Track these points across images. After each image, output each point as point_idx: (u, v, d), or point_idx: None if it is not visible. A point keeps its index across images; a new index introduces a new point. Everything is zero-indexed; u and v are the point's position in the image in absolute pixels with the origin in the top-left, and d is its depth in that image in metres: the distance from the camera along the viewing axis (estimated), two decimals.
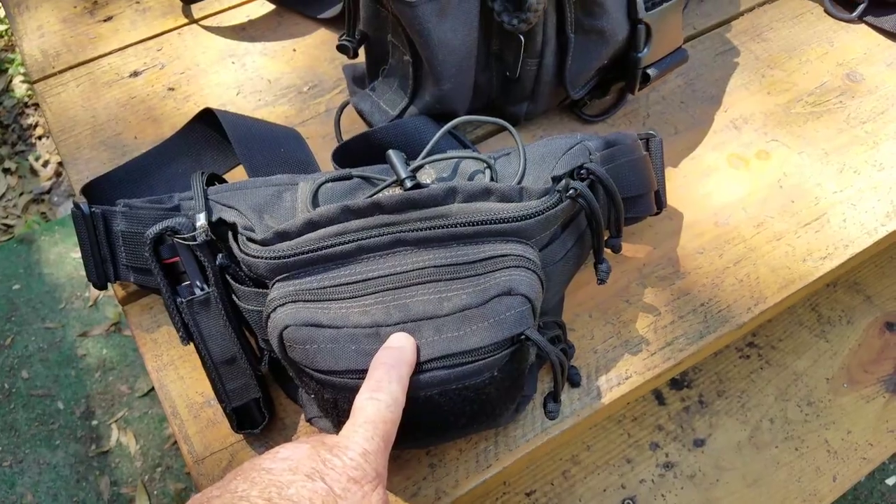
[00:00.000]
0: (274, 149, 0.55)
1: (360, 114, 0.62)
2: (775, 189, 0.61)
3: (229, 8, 0.72)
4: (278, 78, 0.68)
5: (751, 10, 0.73)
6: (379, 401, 0.37)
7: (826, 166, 0.62)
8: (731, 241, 0.58)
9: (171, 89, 0.67)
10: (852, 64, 0.69)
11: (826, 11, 0.73)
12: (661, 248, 0.57)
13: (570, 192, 0.45)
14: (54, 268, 1.41)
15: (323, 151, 0.60)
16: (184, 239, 0.46)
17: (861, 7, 0.72)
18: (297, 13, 0.72)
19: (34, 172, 1.62)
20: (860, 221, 0.59)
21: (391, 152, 0.47)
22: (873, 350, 0.81)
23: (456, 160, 0.50)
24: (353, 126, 0.63)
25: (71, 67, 0.68)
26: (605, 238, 0.49)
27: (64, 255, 1.43)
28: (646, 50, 0.58)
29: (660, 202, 0.55)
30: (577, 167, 0.48)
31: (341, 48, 0.60)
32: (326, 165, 0.58)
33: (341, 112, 0.63)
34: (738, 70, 0.69)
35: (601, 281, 0.48)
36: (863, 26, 0.72)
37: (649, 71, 0.59)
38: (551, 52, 0.57)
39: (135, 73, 0.68)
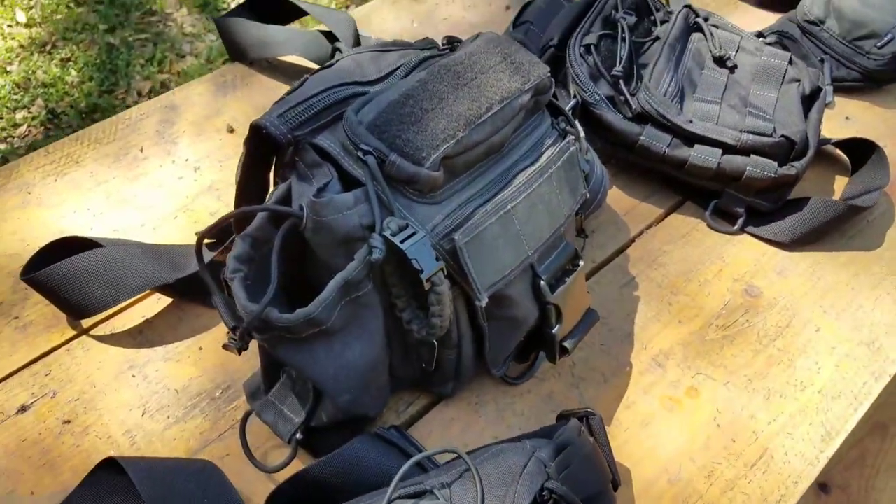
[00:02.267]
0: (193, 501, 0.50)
1: (268, 425, 0.58)
2: (713, 428, 0.62)
3: (122, 310, 0.68)
4: (186, 386, 0.63)
5: (640, 234, 0.77)
6: None
7: (753, 395, 0.64)
8: (689, 499, 0.57)
9: (67, 422, 0.60)
10: (747, 277, 0.73)
11: (710, 226, 0.77)
12: None
13: None
14: None
15: (250, 476, 0.55)
16: None
17: (740, 220, 0.77)
18: (197, 303, 0.68)
19: None
20: (800, 452, 0.60)
21: None
22: None
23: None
24: (267, 443, 0.59)
25: None
26: None
27: None
28: (558, 326, 0.58)
29: (616, 483, 0.54)
30: (539, 490, 0.46)
31: (227, 347, 0.57)
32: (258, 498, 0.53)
33: (245, 425, 0.58)
34: (645, 301, 0.71)
35: None
36: (746, 237, 0.77)
37: (566, 344, 0.60)
38: (468, 341, 0.57)
39: (22, 409, 0.61)
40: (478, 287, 0.52)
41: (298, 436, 0.56)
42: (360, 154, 0.49)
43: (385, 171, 0.49)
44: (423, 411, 0.62)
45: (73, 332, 0.66)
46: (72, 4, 1.95)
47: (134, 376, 0.64)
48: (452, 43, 0.61)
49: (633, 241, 0.76)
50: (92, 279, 0.63)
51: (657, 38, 0.82)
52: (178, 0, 2.03)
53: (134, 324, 0.67)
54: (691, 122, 0.74)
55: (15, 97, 1.77)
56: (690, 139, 0.75)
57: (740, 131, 0.74)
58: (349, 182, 0.51)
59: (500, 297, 0.55)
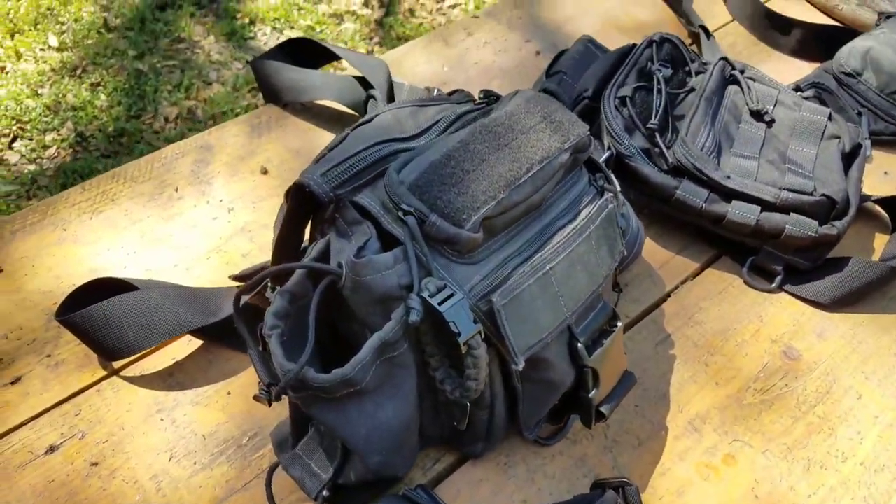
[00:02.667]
0: None
1: (294, 480, 0.57)
2: (751, 500, 0.60)
3: (152, 351, 0.67)
4: (214, 431, 0.62)
5: (676, 289, 0.76)
6: None
7: (793, 465, 0.62)
8: None
9: (95, 464, 0.60)
10: (785, 338, 0.72)
11: (747, 283, 0.76)
12: None
13: None
14: None
15: None
16: None
17: (778, 278, 0.75)
18: (227, 347, 0.68)
19: None
20: None
21: None
22: None
23: None
24: (292, 496, 0.58)
25: None
26: None
27: None
28: (595, 391, 0.57)
29: None
30: None
31: (258, 398, 0.56)
32: None
33: (271, 478, 0.56)
34: (681, 360, 0.69)
35: None
36: (784, 295, 0.75)
37: (603, 409, 0.58)
38: (501, 402, 0.56)
39: (51, 449, 0.61)
40: (515, 350, 0.51)
41: (325, 493, 0.55)
42: (400, 214, 0.49)
43: (425, 232, 0.49)
44: (450, 469, 0.61)
45: (103, 373, 0.66)
46: (102, 30, 1.98)
47: (162, 419, 0.63)
48: (489, 97, 0.61)
49: (668, 295, 0.75)
50: (125, 323, 0.62)
51: (692, 90, 0.81)
52: (206, 28, 2.05)
53: (164, 366, 0.67)
54: (729, 177, 0.74)
55: (45, 119, 1.79)
56: (728, 195, 0.74)
57: (780, 189, 0.73)
58: (388, 240, 0.50)
59: (537, 359, 0.54)
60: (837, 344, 0.71)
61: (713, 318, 0.73)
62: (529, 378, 0.55)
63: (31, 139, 1.75)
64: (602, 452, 0.63)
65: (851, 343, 0.72)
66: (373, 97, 0.81)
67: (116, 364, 0.66)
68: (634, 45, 0.83)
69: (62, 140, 1.76)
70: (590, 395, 0.57)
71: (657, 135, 0.76)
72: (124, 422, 0.63)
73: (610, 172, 0.65)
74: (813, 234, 0.72)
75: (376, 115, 0.59)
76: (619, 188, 0.63)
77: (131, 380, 0.66)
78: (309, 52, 0.89)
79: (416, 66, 0.96)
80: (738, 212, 0.73)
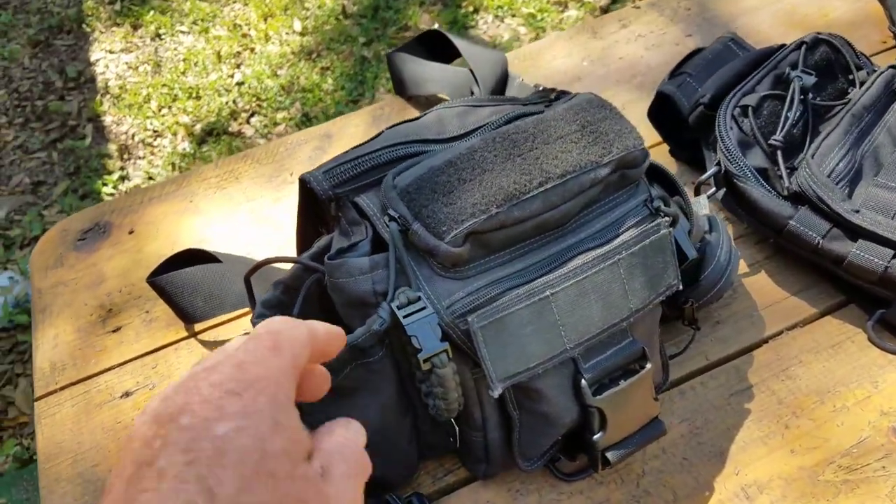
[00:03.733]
0: None
1: None
2: None
3: (229, 321, 0.73)
4: None
5: (777, 335, 0.65)
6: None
7: None
8: None
9: None
10: None
11: (870, 340, 0.64)
12: None
13: None
14: None
15: None
16: None
17: None
18: None
19: None
20: None
21: None
22: None
23: None
24: None
25: (72, 384, 0.70)
26: None
27: None
28: (601, 434, 0.52)
29: None
30: None
31: None
32: None
33: None
34: (756, 417, 0.60)
35: None
36: None
37: (609, 455, 0.52)
38: (495, 427, 0.53)
39: (126, 394, 0.68)
40: (491, 376, 0.48)
41: None
42: (385, 219, 0.48)
43: (409, 240, 0.47)
44: (460, 484, 0.59)
45: (185, 334, 0.73)
46: (340, 17, 2.14)
47: None
48: (546, 97, 0.57)
49: (765, 341, 0.65)
50: (197, 291, 0.68)
51: (849, 102, 0.69)
52: (431, 17, 2.13)
53: (235, 333, 0.72)
54: (858, 212, 0.62)
55: (279, 99, 1.98)
56: (855, 232, 0.62)
57: None
58: (383, 244, 0.49)
59: (528, 389, 0.50)
60: None
61: (814, 374, 0.62)
62: (524, 407, 0.52)
63: (265, 116, 1.96)
64: (627, 501, 0.57)
65: None
66: (473, 92, 0.79)
67: (197, 328, 0.73)
68: (783, 45, 0.73)
69: (290, 119, 1.95)
70: (594, 438, 0.52)
71: (779, 153, 0.66)
72: None
73: (686, 194, 0.58)
74: None
75: (425, 114, 0.58)
76: (703, 209, 0.56)
77: (205, 343, 0.72)
78: (443, 45, 0.89)
79: (553, 59, 0.92)
80: (863, 254, 0.61)
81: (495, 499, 0.58)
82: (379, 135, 0.56)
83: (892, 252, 0.60)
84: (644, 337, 0.54)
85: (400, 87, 0.90)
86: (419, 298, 0.47)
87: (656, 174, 0.61)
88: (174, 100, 1.95)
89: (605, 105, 0.53)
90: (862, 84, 0.71)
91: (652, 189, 0.55)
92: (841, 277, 0.65)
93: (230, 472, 0.26)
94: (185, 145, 1.85)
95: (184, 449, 0.26)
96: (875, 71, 0.72)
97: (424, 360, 0.46)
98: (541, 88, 0.77)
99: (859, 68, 0.73)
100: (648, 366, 0.53)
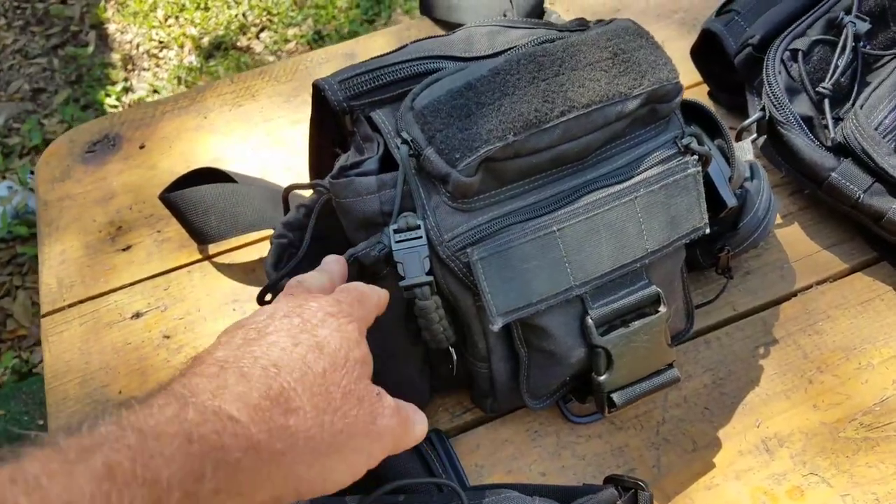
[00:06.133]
0: None
1: None
2: None
3: (244, 245, 0.71)
4: None
5: (806, 289, 0.64)
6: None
7: None
8: None
9: (167, 337, 0.65)
10: None
11: None
12: None
13: None
14: None
15: None
16: None
17: None
18: None
19: None
20: None
21: None
22: None
23: None
24: None
25: (80, 302, 0.68)
26: None
27: None
28: (606, 375, 0.50)
29: None
30: None
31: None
32: None
33: None
34: (780, 371, 0.59)
35: None
36: None
37: (615, 397, 0.51)
38: (500, 359, 0.52)
39: (136, 315, 0.67)
40: (491, 309, 0.46)
41: None
42: (398, 141, 0.46)
43: (420, 165, 0.45)
44: (478, 422, 0.58)
45: (199, 256, 0.71)
46: None
47: (234, 310, 0.67)
48: (585, 25, 0.54)
49: (794, 294, 0.64)
50: (211, 210, 0.66)
51: None
52: None
53: (250, 259, 0.70)
54: None
55: (291, 14, 1.91)
56: None
57: None
58: (394, 162, 0.47)
59: (533, 325, 0.49)
60: None
61: (841, 330, 0.61)
62: (531, 344, 0.51)
63: (275, 31, 1.90)
64: (646, 447, 0.56)
65: None
66: (506, 15, 0.75)
67: (211, 250, 0.71)
68: None
69: (301, 36, 1.88)
70: (599, 379, 0.51)
71: (826, 102, 0.63)
72: (202, 304, 0.67)
73: (729, 137, 0.56)
74: None
75: (455, 31, 0.55)
76: (744, 153, 0.54)
77: (219, 267, 0.70)
78: None
79: None
80: None
81: (513, 437, 0.57)
82: (403, 47, 0.53)
83: None
84: (662, 280, 0.52)
85: (427, 8, 0.85)
86: (418, 227, 0.45)
87: (698, 114, 0.58)
88: (181, 10, 1.88)
89: (641, 33, 0.50)
90: None
91: (688, 127, 0.53)
92: (876, 234, 0.63)
93: (328, 350, 0.37)
94: (191, 59, 1.80)
95: (292, 333, 0.37)
96: None
97: (406, 289, 0.45)
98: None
99: None
100: (662, 310, 0.51)
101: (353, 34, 1.86)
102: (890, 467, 0.54)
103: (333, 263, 0.46)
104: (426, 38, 0.54)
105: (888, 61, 0.67)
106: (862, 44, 0.65)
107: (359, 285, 0.43)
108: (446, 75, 0.48)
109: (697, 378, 0.59)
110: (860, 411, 0.57)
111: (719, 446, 0.56)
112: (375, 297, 0.43)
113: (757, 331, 0.62)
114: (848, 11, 0.66)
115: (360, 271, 0.47)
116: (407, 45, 0.53)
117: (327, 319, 0.38)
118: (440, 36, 0.54)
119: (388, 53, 0.53)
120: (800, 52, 0.64)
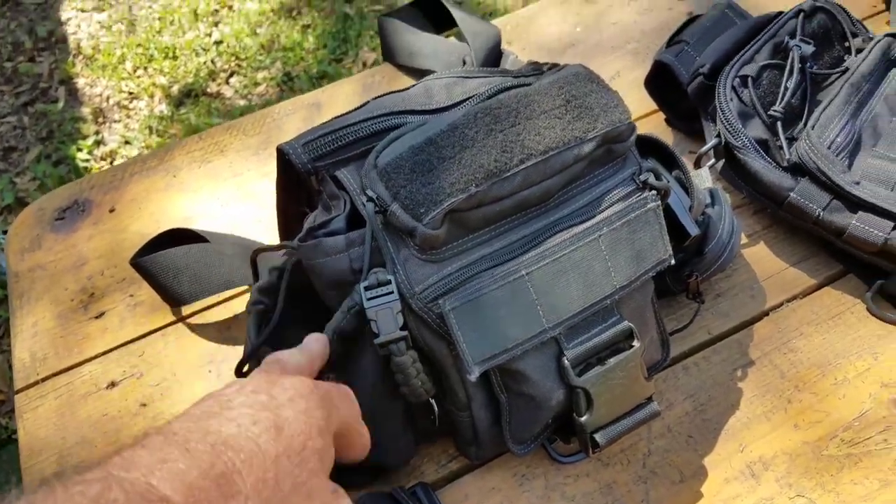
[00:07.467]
0: None
1: None
2: None
3: (219, 303, 0.71)
4: None
5: (778, 307, 0.65)
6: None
7: None
8: None
9: (144, 405, 0.65)
10: None
11: (869, 311, 0.63)
12: None
13: None
14: None
15: None
16: None
17: None
18: None
19: None
20: None
21: None
22: None
23: None
24: None
25: (54, 374, 0.67)
26: None
27: None
28: (587, 415, 0.51)
29: None
30: None
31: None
32: None
33: None
34: (758, 393, 0.60)
35: None
36: None
37: (598, 437, 0.51)
38: (480, 407, 0.52)
39: (112, 384, 0.66)
40: (467, 358, 0.47)
41: None
42: (363, 199, 0.46)
43: (387, 220, 0.46)
44: (465, 470, 0.58)
45: (172, 318, 0.70)
46: None
47: (210, 371, 0.67)
48: (537, 70, 0.55)
49: (766, 314, 0.64)
50: (183, 272, 0.66)
51: (846, 71, 0.67)
52: None
53: (224, 317, 0.70)
54: (858, 183, 0.60)
55: (259, 58, 1.92)
56: (855, 204, 0.61)
57: None
58: (361, 220, 0.48)
59: (510, 370, 0.49)
60: None
61: (814, 346, 0.62)
62: (510, 390, 0.51)
63: (245, 76, 1.91)
64: (634, 482, 0.56)
65: None
66: (465, 62, 0.76)
67: (185, 311, 0.71)
68: (780, 12, 0.70)
69: (271, 78, 1.89)
70: (581, 420, 0.51)
71: (779, 124, 0.64)
72: (177, 368, 0.67)
73: (685, 167, 0.57)
74: None
75: (413, 85, 0.56)
76: (703, 182, 0.55)
77: (193, 328, 0.70)
78: (436, 11, 0.86)
79: (548, 25, 0.89)
80: (863, 226, 0.60)
81: (501, 484, 0.57)
82: (363, 105, 0.54)
83: (892, 224, 0.60)
84: (633, 314, 0.53)
85: (389, 55, 0.86)
86: (389, 281, 0.46)
87: (654, 147, 0.59)
88: (150, 60, 1.89)
89: (592, 78, 0.51)
90: (858, 51, 0.69)
91: (645, 162, 0.54)
92: (840, 248, 0.64)
93: (287, 434, 0.35)
94: (162, 107, 1.80)
95: (254, 410, 0.36)
96: (871, 38, 0.70)
97: (381, 346, 0.45)
98: (545, 67, 0.75)
99: (855, 35, 0.71)
100: (636, 344, 0.51)
101: (322, 73, 1.87)
102: (874, 483, 0.54)
103: (314, 343, 0.45)
104: (386, 94, 0.55)
105: (835, 79, 0.68)
106: (809, 65, 0.67)
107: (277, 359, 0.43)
108: (407, 132, 0.48)
109: (679, 405, 0.59)
110: (840, 427, 0.57)
111: (706, 475, 0.56)
112: (298, 361, 0.44)
113: (733, 353, 0.62)
114: (792, 35, 0.67)
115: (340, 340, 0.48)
116: (368, 102, 0.54)
117: (296, 400, 0.37)
118: (399, 91, 0.55)
119: (349, 112, 0.53)
120: (749, 78, 0.65)
